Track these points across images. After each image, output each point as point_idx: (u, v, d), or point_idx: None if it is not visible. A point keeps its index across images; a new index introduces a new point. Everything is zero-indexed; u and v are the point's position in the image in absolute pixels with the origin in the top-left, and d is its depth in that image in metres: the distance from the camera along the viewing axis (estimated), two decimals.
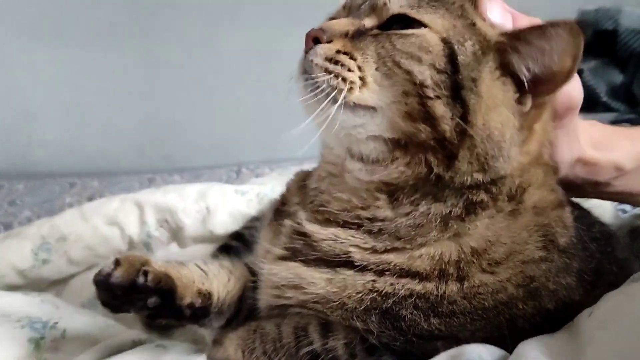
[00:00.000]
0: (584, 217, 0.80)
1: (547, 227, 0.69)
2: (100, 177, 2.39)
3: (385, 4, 0.68)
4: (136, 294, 0.71)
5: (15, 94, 2.63)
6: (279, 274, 0.74)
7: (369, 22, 0.70)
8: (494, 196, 0.68)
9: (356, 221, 0.71)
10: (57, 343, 0.76)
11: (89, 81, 2.55)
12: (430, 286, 0.65)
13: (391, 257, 0.67)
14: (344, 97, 0.65)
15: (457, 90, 0.64)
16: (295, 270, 0.72)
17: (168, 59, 2.55)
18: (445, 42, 0.65)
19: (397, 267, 0.67)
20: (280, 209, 0.85)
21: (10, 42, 2.54)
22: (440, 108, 0.64)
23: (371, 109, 0.66)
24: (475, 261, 0.66)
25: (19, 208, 2.18)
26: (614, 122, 1.97)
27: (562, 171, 0.79)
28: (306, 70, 0.69)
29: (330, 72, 0.66)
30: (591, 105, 2.00)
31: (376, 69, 0.66)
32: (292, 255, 0.74)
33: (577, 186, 0.84)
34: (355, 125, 0.67)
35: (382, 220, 0.69)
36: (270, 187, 1.56)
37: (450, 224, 0.67)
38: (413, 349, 0.66)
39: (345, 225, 0.71)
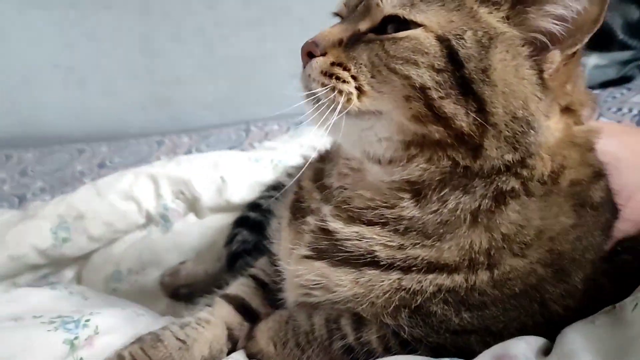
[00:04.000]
0: None
1: (579, 193, 0.67)
2: (109, 142, 2.38)
3: (377, 4, 0.65)
4: None
5: (13, 60, 2.58)
6: (305, 275, 0.72)
7: (363, 25, 0.67)
8: (525, 181, 0.65)
9: (381, 220, 0.69)
10: (91, 339, 0.75)
11: (87, 42, 2.49)
12: (459, 279, 0.64)
13: (418, 252, 0.66)
14: (343, 108, 0.63)
15: (466, 85, 0.61)
16: (321, 271, 0.71)
17: (166, 15, 2.47)
18: (442, 39, 0.61)
19: (425, 261, 0.65)
20: (298, 207, 0.82)
21: (3, 7, 2.48)
22: (449, 107, 0.61)
23: (376, 113, 0.65)
24: (506, 246, 0.64)
25: (30, 178, 2.18)
26: (630, 61, 1.92)
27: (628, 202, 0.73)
28: (306, 83, 0.67)
29: (326, 86, 0.64)
30: (607, 43, 1.94)
31: (372, 77, 0.64)
32: (317, 255, 0.72)
33: None
34: (362, 129, 0.66)
35: (409, 219, 0.67)
36: (283, 152, 1.54)
37: (480, 219, 0.65)
38: (446, 344, 0.65)
39: (370, 223, 0.69)
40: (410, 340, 0.65)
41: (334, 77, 0.65)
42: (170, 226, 1.45)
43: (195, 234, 1.41)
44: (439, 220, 0.65)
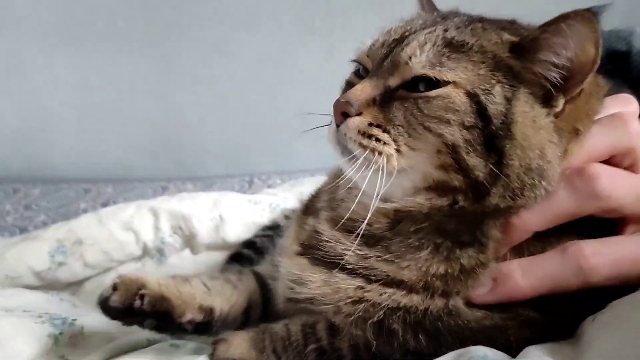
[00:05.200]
0: None
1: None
2: (115, 184, 2.44)
3: (406, 63, 0.67)
4: (134, 316, 0.73)
5: (32, 98, 2.68)
6: (290, 269, 0.77)
7: (393, 81, 0.69)
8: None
9: (356, 231, 0.72)
10: (75, 339, 0.78)
11: (105, 86, 2.60)
12: (416, 299, 0.66)
13: (380, 264, 0.69)
14: (384, 169, 0.66)
15: (491, 139, 0.63)
16: (301, 267, 0.75)
17: (183, 65, 2.60)
18: (471, 95, 0.63)
19: (384, 273, 0.68)
20: (310, 205, 0.88)
21: (29, 47, 2.60)
22: (473, 160, 0.63)
23: (408, 167, 0.67)
24: (463, 278, 0.66)
25: (34, 212, 2.23)
26: None
27: None
28: (340, 141, 0.70)
29: (365, 146, 0.67)
30: None
31: (409, 136, 0.66)
32: (304, 251, 0.77)
33: None
34: (392, 184, 0.67)
35: (380, 237, 0.71)
36: (282, 197, 1.59)
37: (441, 250, 0.68)
38: None
39: (347, 230, 0.73)
40: (378, 354, 0.68)
41: (373, 138, 0.66)
42: (165, 260, 1.47)
43: (188, 269, 1.42)
44: (404, 242, 0.69)
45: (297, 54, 2.53)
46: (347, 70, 0.81)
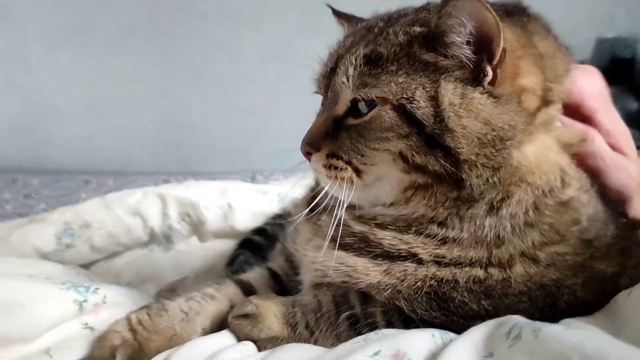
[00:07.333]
0: None
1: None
2: (115, 176, 2.43)
3: (342, 91, 0.72)
4: None
5: (36, 91, 2.67)
6: (324, 262, 0.76)
7: (339, 109, 0.73)
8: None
9: (422, 231, 0.72)
10: (97, 307, 0.77)
11: (109, 81, 2.60)
12: (494, 271, 0.67)
13: (470, 253, 0.69)
14: (349, 190, 0.72)
15: (432, 139, 0.66)
16: (344, 260, 0.74)
17: (187, 61, 2.61)
18: (397, 108, 0.67)
19: (473, 259, 0.68)
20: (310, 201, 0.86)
21: (35, 41, 2.60)
22: (420, 159, 0.67)
23: (377, 178, 0.72)
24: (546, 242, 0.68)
25: (35, 200, 2.20)
26: None
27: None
28: (316, 176, 0.78)
29: (330, 177, 0.73)
30: None
31: (361, 157, 0.71)
32: (335, 245, 0.75)
33: None
34: (371, 192, 0.74)
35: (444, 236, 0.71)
36: (290, 188, 1.58)
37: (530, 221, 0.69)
38: (452, 326, 0.68)
39: (403, 230, 0.73)
40: (417, 320, 0.68)
41: (332, 167, 0.72)
42: (172, 247, 1.47)
43: (197, 256, 1.42)
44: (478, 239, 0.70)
45: (301, 51, 2.54)
46: None
